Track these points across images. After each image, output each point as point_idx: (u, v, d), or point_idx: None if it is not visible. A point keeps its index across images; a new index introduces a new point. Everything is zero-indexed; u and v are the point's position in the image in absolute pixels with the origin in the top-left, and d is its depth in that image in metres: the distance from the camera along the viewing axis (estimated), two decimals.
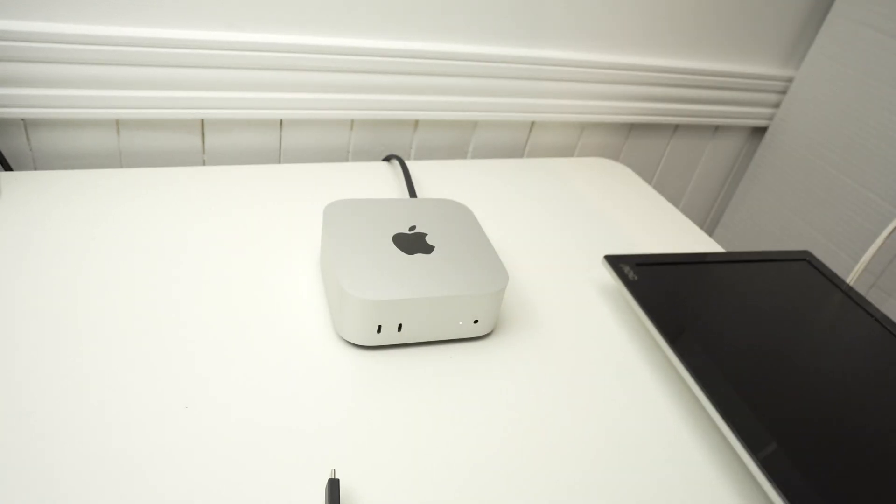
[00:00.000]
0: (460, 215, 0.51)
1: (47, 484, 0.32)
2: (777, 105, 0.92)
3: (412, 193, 0.61)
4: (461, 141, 0.77)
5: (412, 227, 0.48)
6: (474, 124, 0.77)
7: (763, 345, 0.48)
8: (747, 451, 0.38)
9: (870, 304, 0.55)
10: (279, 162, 0.70)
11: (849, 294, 0.56)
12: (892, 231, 0.67)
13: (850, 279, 0.72)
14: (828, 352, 0.49)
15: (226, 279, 0.48)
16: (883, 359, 0.50)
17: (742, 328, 0.48)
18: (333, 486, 0.33)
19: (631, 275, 0.50)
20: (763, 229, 0.95)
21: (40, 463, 0.33)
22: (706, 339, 0.46)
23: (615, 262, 0.52)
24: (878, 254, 0.78)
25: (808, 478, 0.38)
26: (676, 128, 0.90)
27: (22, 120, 0.57)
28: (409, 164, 0.68)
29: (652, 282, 0.50)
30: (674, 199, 0.98)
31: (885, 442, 0.42)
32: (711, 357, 0.44)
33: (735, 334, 0.48)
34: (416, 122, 0.73)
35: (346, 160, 0.73)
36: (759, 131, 0.96)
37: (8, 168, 0.57)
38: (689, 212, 1.02)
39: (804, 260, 0.60)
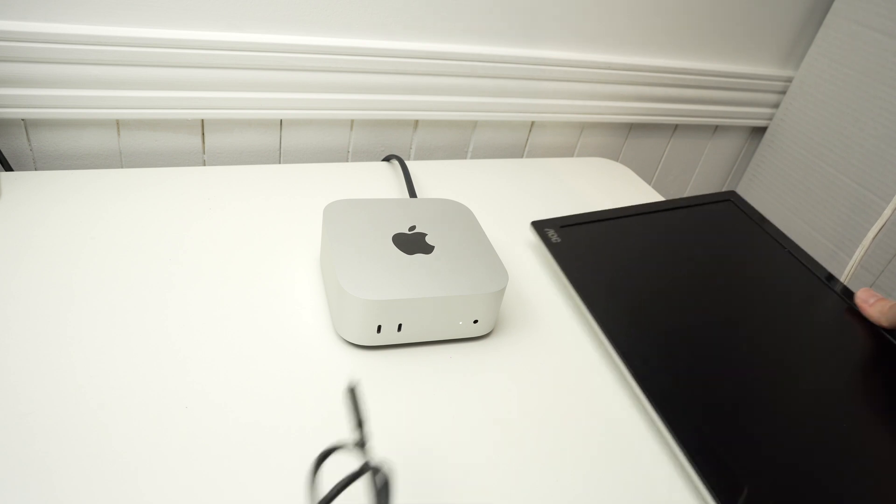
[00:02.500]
0: (460, 215, 0.51)
1: (46, 483, 0.32)
2: (776, 105, 0.92)
3: (412, 193, 0.62)
4: (461, 141, 0.77)
5: (412, 227, 0.48)
6: (474, 124, 0.77)
7: (685, 293, 0.48)
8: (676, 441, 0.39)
9: (791, 242, 0.55)
10: (279, 162, 0.70)
11: (770, 233, 0.57)
12: (883, 227, 0.67)
13: (845, 277, 0.72)
14: (750, 294, 0.49)
15: (225, 279, 0.48)
16: (802, 296, 0.50)
17: (664, 278, 0.48)
18: (352, 394, 0.31)
19: (554, 237, 0.50)
20: None
21: (38, 463, 0.33)
22: (626, 298, 0.46)
23: (540, 226, 0.52)
24: (877, 253, 0.78)
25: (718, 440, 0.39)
26: (676, 128, 0.90)
27: (22, 120, 0.57)
28: (409, 164, 0.68)
29: (575, 243, 0.50)
30: None
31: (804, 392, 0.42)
32: (629, 318, 0.45)
33: (657, 286, 0.48)
34: (416, 122, 0.73)
35: (346, 160, 0.73)
36: (759, 131, 0.96)
37: (8, 168, 0.57)
38: None
39: (728, 200, 0.61)
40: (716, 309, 0.48)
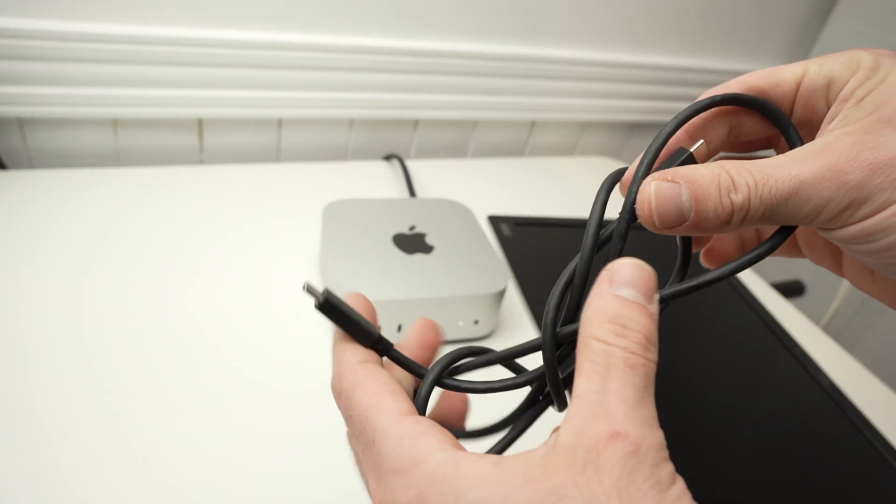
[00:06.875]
0: (460, 215, 0.51)
1: (49, 481, 0.31)
2: None
3: (412, 193, 0.61)
4: (461, 140, 0.77)
5: (412, 227, 0.48)
6: (474, 124, 0.76)
7: None
8: None
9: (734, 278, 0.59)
10: (278, 161, 0.69)
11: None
12: None
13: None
14: (680, 313, 0.52)
15: (224, 279, 0.47)
16: (730, 321, 0.53)
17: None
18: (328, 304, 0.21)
19: (507, 231, 0.52)
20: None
21: (42, 462, 0.32)
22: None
23: (496, 220, 0.55)
24: None
25: None
26: None
27: (17, 118, 0.57)
28: (408, 163, 0.67)
29: (525, 239, 0.53)
30: None
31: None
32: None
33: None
34: (416, 122, 0.73)
35: (346, 159, 0.72)
36: None
37: (3, 167, 0.57)
38: None
39: None
40: None
